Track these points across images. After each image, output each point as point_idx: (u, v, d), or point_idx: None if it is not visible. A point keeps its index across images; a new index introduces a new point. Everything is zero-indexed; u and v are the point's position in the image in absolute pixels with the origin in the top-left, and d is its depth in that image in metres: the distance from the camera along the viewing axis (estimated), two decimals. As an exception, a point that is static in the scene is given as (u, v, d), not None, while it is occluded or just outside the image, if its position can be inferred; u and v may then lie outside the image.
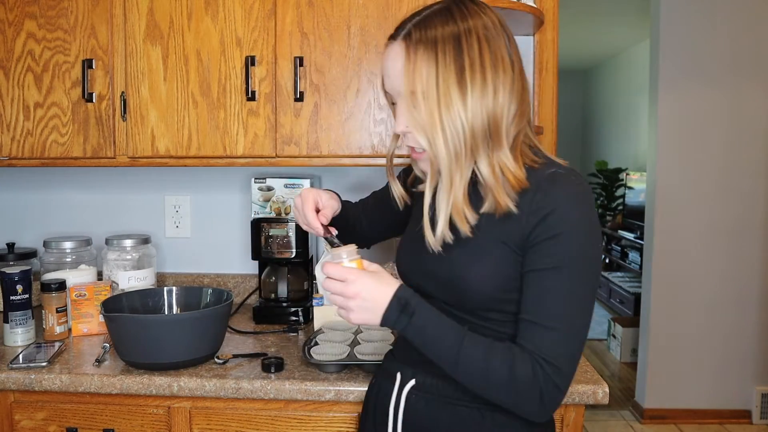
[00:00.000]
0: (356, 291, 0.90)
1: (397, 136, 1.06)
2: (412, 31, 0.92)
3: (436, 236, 0.95)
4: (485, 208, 0.93)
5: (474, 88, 0.89)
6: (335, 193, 1.22)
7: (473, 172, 0.95)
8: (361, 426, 1.16)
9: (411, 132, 0.95)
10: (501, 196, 0.91)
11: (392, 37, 0.95)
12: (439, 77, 0.89)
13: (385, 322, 0.91)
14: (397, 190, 1.12)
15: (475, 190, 0.95)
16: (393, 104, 1.01)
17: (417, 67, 0.90)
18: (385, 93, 1.02)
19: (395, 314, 0.90)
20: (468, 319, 0.96)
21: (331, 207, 1.15)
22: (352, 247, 0.96)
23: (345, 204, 1.24)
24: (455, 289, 0.96)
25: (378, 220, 1.29)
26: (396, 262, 1.12)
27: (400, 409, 1.02)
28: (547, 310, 0.88)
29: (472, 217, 0.93)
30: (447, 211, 0.93)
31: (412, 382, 1.02)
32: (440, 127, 0.90)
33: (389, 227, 1.29)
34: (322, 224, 1.11)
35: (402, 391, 1.03)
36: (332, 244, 1.04)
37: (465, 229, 0.93)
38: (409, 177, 1.17)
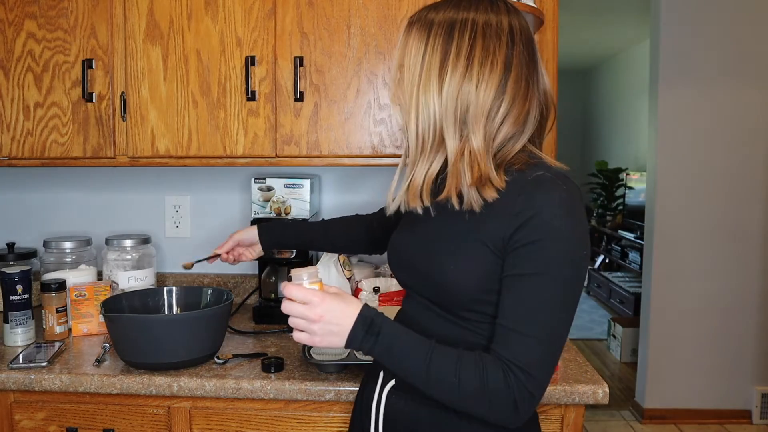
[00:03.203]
0: (320, 314, 0.88)
1: None
2: (421, 11, 0.96)
3: (394, 201, 0.99)
4: (440, 196, 0.94)
5: (453, 77, 0.90)
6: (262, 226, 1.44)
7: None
8: (350, 424, 1.16)
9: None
10: (453, 186, 0.91)
11: None
12: (425, 59, 0.92)
13: (350, 343, 0.89)
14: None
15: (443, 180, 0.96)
16: None
17: (408, 45, 0.94)
18: None
19: (361, 334, 0.89)
20: (448, 318, 0.96)
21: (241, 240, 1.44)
22: (314, 269, 0.93)
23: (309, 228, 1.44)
24: (434, 285, 0.96)
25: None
26: (388, 257, 1.13)
27: (381, 408, 1.02)
28: (523, 317, 0.86)
29: (427, 201, 0.95)
30: (405, 185, 0.97)
31: (392, 382, 1.02)
32: (415, 109, 0.92)
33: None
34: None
35: (383, 390, 1.03)
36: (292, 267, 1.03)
37: (416, 208, 0.95)
38: None
